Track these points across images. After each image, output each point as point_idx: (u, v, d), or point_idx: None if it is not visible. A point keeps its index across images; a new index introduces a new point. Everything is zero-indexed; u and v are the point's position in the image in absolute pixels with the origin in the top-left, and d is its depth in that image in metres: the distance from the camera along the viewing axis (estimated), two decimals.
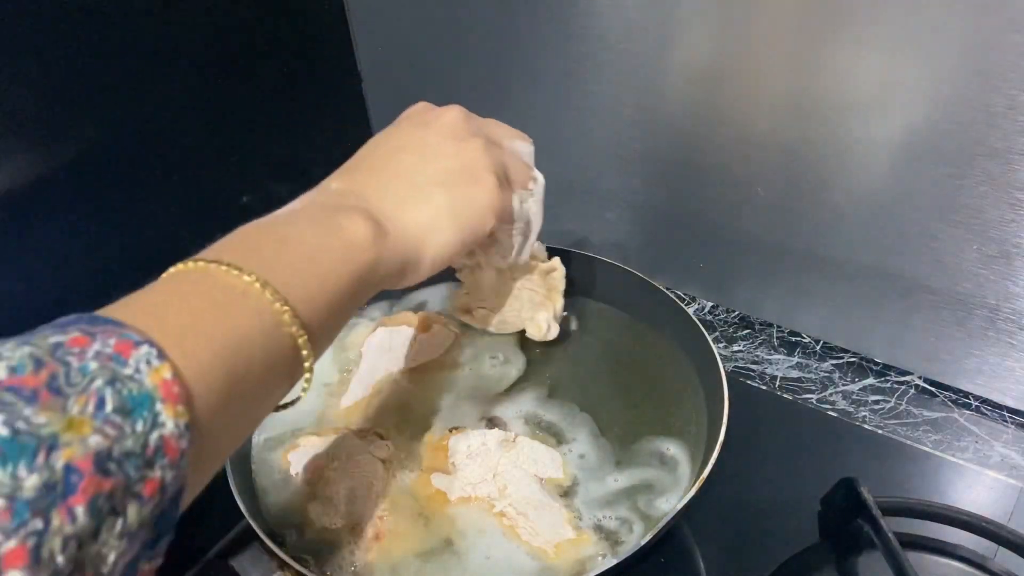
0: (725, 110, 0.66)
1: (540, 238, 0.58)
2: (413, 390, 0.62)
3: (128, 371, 0.28)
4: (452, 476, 0.55)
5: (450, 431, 0.58)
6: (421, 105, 0.52)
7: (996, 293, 0.62)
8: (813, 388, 0.70)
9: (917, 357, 0.69)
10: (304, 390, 0.38)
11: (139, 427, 0.27)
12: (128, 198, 0.67)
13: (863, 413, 0.68)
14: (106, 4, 0.60)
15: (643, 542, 0.48)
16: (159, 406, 0.28)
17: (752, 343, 0.75)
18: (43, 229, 0.62)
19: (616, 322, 0.68)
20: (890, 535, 0.50)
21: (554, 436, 0.58)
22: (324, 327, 0.38)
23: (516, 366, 0.64)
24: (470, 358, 0.65)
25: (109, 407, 0.26)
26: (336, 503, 0.54)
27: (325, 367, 0.65)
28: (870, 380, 0.71)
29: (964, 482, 0.62)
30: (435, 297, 0.71)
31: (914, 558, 0.49)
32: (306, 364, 0.37)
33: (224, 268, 0.35)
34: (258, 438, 0.59)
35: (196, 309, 0.33)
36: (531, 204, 0.54)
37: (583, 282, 0.68)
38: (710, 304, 0.78)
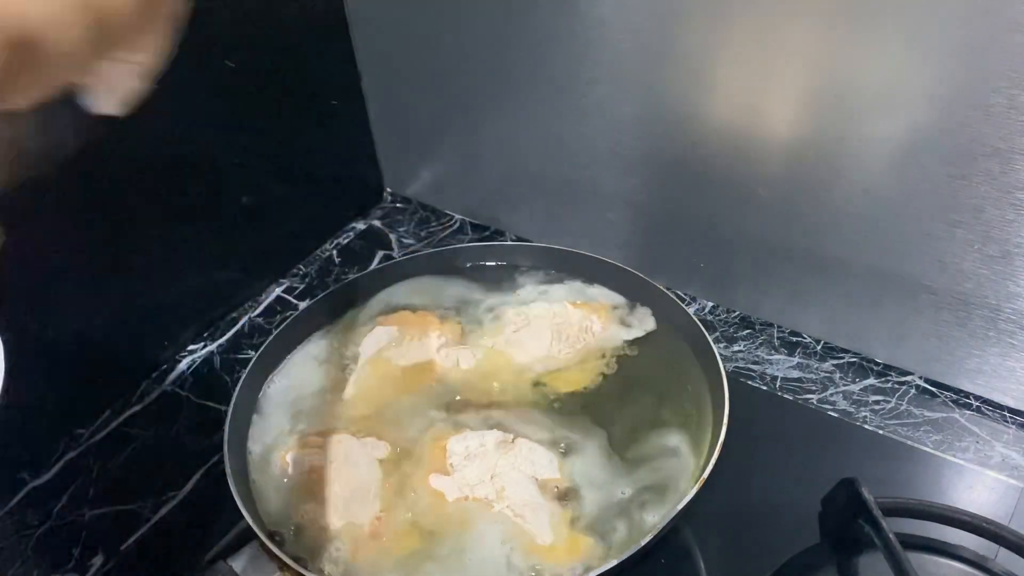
0: (725, 110, 0.66)
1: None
2: (412, 388, 0.62)
3: None
4: (450, 477, 0.55)
5: (448, 432, 0.58)
6: None
7: (997, 293, 0.62)
8: (814, 388, 0.70)
9: (918, 357, 0.69)
10: None
11: None
12: (126, 199, 0.67)
13: (864, 413, 0.68)
14: None
15: (643, 542, 0.48)
16: None
17: (752, 343, 0.75)
18: (40, 230, 0.62)
19: None
20: (891, 536, 0.50)
21: (553, 435, 0.58)
22: None
23: None
24: (469, 355, 0.65)
25: None
26: (334, 503, 0.54)
27: (323, 367, 0.65)
28: (871, 380, 0.70)
29: (965, 482, 0.61)
30: (433, 296, 0.71)
31: (915, 559, 0.49)
32: None
33: None
34: (256, 438, 0.59)
35: None
36: None
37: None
38: (710, 304, 0.78)
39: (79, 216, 0.64)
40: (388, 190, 0.96)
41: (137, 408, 0.71)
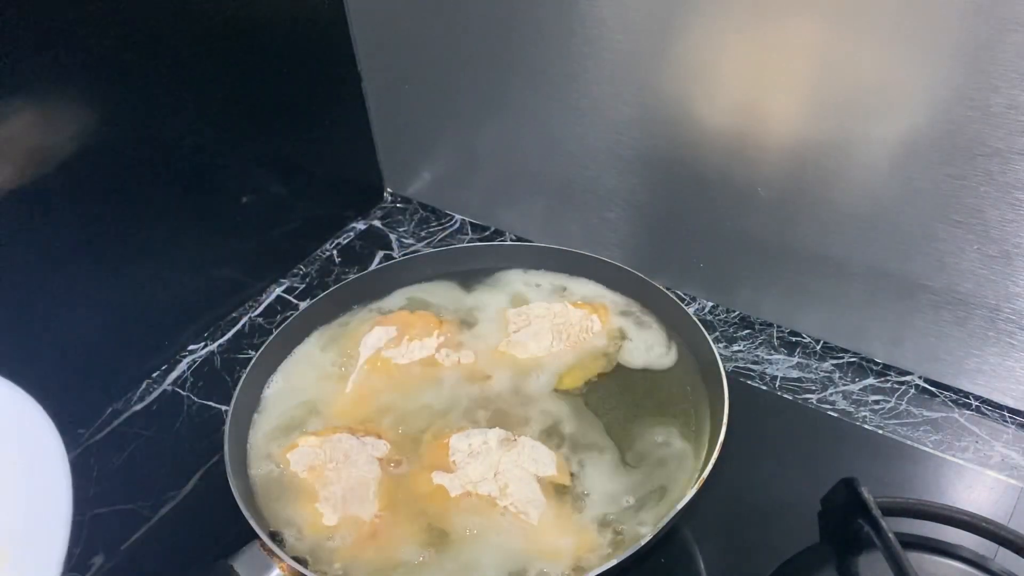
0: (725, 110, 0.66)
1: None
2: (411, 388, 0.62)
3: None
4: (453, 474, 0.55)
5: (449, 430, 0.58)
6: None
7: (996, 293, 0.62)
8: (813, 388, 0.70)
9: (917, 357, 0.69)
10: None
11: None
12: (127, 198, 0.67)
13: (863, 413, 0.68)
14: (107, 3, 0.60)
15: (643, 542, 0.48)
16: None
17: (752, 343, 0.75)
18: (41, 229, 0.62)
19: None
20: (890, 535, 0.50)
21: (554, 433, 0.58)
22: None
23: None
24: (469, 355, 0.65)
25: None
26: (334, 502, 0.54)
27: (323, 367, 0.65)
28: (870, 380, 0.70)
29: (964, 482, 0.61)
30: (433, 295, 0.71)
31: (914, 558, 0.49)
32: None
33: None
34: (256, 438, 0.59)
35: None
36: None
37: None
38: (710, 304, 0.78)
39: (79, 216, 0.64)
40: (388, 190, 0.96)
41: (137, 408, 0.72)
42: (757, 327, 0.76)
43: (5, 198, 0.59)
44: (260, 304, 0.82)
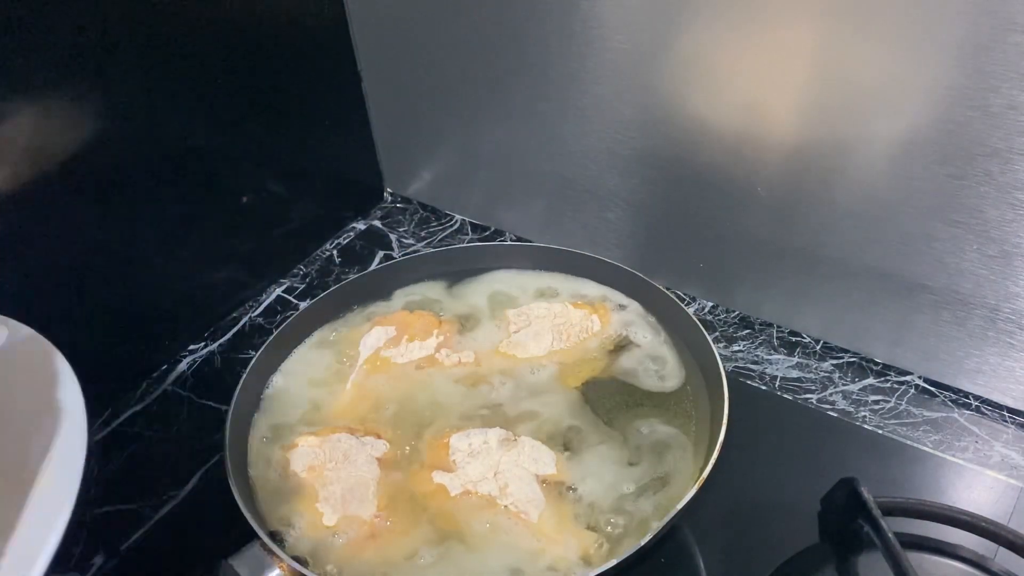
0: (725, 110, 0.66)
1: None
2: (410, 388, 0.62)
3: None
4: (453, 474, 0.55)
5: (449, 430, 0.58)
6: None
7: (996, 293, 0.62)
8: (813, 388, 0.70)
9: (917, 357, 0.69)
10: None
11: None
12: (127, 199, 0.67)
13: (863, 413, 0.68)
14: (107, 4, 0.60)
15: (643, 542, 0.48)
16: None
17: (752, 343, 0.75)
18: (41, 229, 0.62)
19: None
20: (890, 535, 0.50)
21: (554, 433, 0.58)
22: None
23: None
24: (468, 355, 0.65)
25: None
26: (334, 502, 0.54)
27: (322, 367, 0.65)
28: (870, 380, 0.71)
29: (964, 482, 0.62)
30: (432, 294, 0.71)
31: (914, 558, 0.49)
32: None
33: None
34: (256, 438, 0.59)
35: None
36: None
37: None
38: (710, 304, 0.78)
39: (79, 217, 0.64)
40: (388, 190, 0.96)
41: (137, 408, 0.72)
42: (757, 327, 0.76)
43: (5, 198, 0.59)
44: (260, 304, 0.82)
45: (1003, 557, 0.53)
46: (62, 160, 0.61)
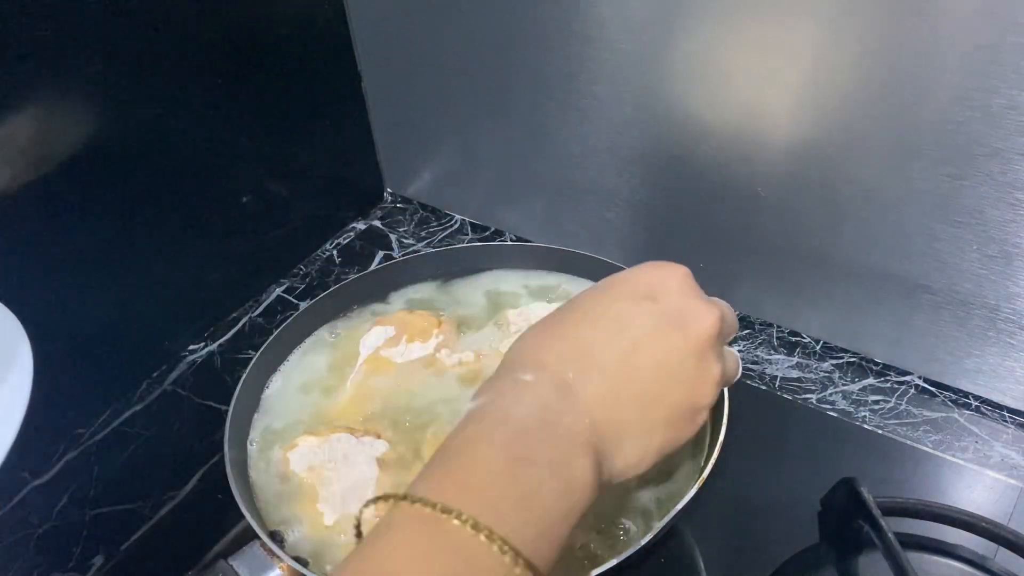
0: (725, 110, 0.66)
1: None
2: (410, 388, 0.62)
3: None
4: None
5: (450, 429, 0.58)
6: (658, 272, 0.49)
7: (996, 293, 0.62)
8: (813, 388, 0.70)
9: (917, 357, 0.69)
10: None
11: None
12: (127, 199, 0.67)
13: (863, 413, 0.68)
14: (107, 4, 0.60)
15: (643, 542, 0.48)
16: None
17: (752, 343, 0.75)
18: (40, 231, 0.62)
19: None
20: (890, 535, 0.50)
21: None
22: None
23: None
24: (468, 355, 0.65)
25: None
26: (334, 502, 0.54)
27: (322, 367, 0.65)
28: (870, 380, 0.71)
29: (964, 482, 0.62)
30: (432, 294, 0.71)
31: (914, 558, 0.49)
32: None
33: (469, 531, 0.33)
34: (256, 438, 0.59)
35: None
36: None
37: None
38: None
39: (79, 217, 0.64)
40: (388, 190, 0.96)
41: (137, 408, 0.72)
42: (757, 327, 0.76)
43: (5, 198, 0.59)
44: (260, 304, 0.82)
45: (1003, 557, 0.53)
46: (61, 160, 0.61)
